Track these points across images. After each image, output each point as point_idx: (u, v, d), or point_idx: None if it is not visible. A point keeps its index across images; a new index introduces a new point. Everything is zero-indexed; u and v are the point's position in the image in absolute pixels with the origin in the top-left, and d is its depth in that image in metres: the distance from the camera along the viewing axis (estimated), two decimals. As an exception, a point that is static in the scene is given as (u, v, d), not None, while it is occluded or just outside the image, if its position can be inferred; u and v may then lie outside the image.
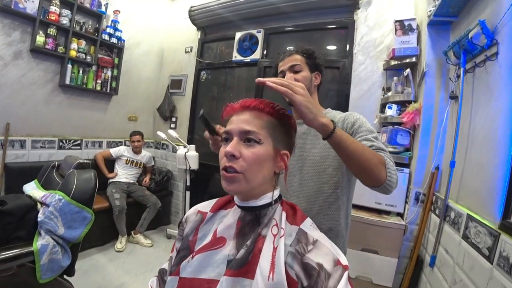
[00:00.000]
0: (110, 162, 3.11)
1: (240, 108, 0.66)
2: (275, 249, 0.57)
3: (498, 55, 1.29)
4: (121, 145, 3.35)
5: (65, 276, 1.62)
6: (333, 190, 0.94)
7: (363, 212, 1.98)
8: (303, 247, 0.58)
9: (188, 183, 2.78)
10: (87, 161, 1.69)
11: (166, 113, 3.55)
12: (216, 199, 0.78)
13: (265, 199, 0.65)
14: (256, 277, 0.55)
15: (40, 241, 1.33)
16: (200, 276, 0.61)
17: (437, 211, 1.69)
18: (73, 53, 2.79)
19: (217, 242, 0.64)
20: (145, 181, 3.23)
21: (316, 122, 0.66)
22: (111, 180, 3.02)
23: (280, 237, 0.59)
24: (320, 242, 0.59)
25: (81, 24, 2.86)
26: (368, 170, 0.72)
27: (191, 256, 0.64)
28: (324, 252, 0.57)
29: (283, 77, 1.05)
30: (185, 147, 2.79)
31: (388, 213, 2.00)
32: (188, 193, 2.79)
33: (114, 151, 3.10)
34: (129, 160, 3.13)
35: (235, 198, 0.69)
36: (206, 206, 0.77)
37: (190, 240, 0.71)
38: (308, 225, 0.65)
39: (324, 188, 0.94)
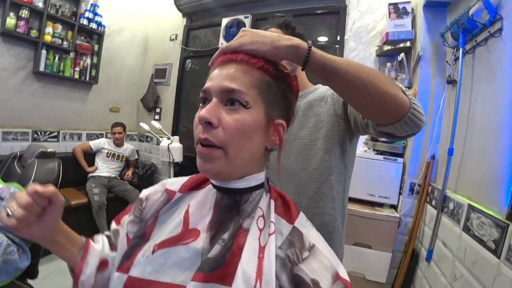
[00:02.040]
0: (91, 156, 2.93)
1: (224, 60, 0.48)
2: (262, 248, 0.43)
3: (502, 31, 1.19)
4: (102, 137, 3.17)
5: (28, 280, 1.46)
6: (326, 177, 0.79)
7: (355, 204, 1.87)
8: (297, 254, 0.43)
9: (172, 176, 2.63)
10: (51, 150, 1.52)
11: (150, 103, 3.39)
12: (189, 177, 0.59)
13: (250, 180, 0.49)
14: (237, 284, 0.39)
15: (-9, 240, 1.17)
16: (161, 280, 0.44)
17: (433, 202, 1.59)
18: (48, 38, 2.59)
19: (189, 234, 0.48)
20: (128, 175, 3.07)
21: (277, 49, 0.48)
22: (91, 175, 2.85)
23: (269, 235, 0.44)
24: (318, 249, 0.45)
25: (57, 7, 2.66)
26: (379, 92, 0.50)
27: (151, 250, 0.48)
28: (322, 264, 0.43)
29: None
30: (168, 138, 2.63)
31: (381, 205, 1.90)
32: (172, 187, 2.64)
33: (94, 144, 2.92)
34: (110, 153, 2.96)
35: None
36: (175, 183, 0.58)
37: (147, 226, 0.53)
38: (303, 222, 0.49)
39: (316, 175, 0.80)
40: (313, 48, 0.49)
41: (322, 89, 0.89)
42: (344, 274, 0.44)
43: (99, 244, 0.58)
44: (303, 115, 0.85)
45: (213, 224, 0.48)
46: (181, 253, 0.46)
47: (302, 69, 0.51)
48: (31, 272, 1.41)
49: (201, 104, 0.48)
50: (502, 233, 0.94)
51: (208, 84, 0.47)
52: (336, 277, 0.42)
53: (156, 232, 0.52)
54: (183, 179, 0.60)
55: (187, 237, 0.48)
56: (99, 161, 2.93)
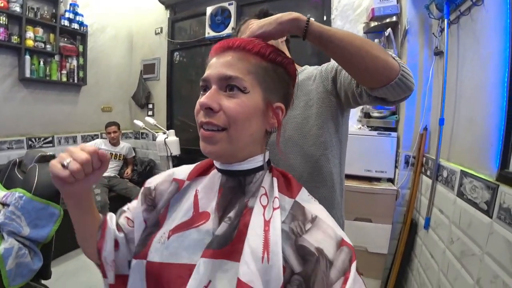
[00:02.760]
0: (88, 158, 2.93)
1: (221, 49, 0.51)
2: (267, 222, 0.45)
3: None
4: (97, 138, 3.17)
5: (42, 281, 1.50)
6: (322, 151, 0.83)
7: (353, 181, 1.92)
8: (300, 226, 0.46)
9: (171, 171, 2.65)
10: (51, 153, 1.53)
11: (142, 100, 3.36)
12: (195, 164, 0.62)
13: (252, 162, 0.52)
14: (245, 259, 0.42)
15: (3, 245, 1.20)
16: (179, 261, 0.48)
17: (428, 172, 1.64)
18: (30, 43, 2.54)
19: (199, 217, 0.51)
20: (127, 173, 3.09)
21: (282, 24, 0.54)
22: (90, 176, 2.85)
23: (274, 209, 0.47)
24: (320, 219, 0.47)
25: (35, 10, 2.59)
26: (371, 56, 0.55)
27: (166, 236, 0.51)
28: (325, 233, 0.45)
29: None
30: (164, 133, 2.64)
31: (378, 179, 1.95)
32: (173, 181, 2.67)
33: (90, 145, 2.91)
34: (107, 153, 2.95)
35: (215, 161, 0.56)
36: (183, 172, 0.61)
37: (160, 214, 0.56)
38: (305, 197, 0.52)
39: (312, 151, 0.83)
40: (311, 20, 0.54)
41: (309, 69, 0.92)
42: (348, 240, 0.46)
43: (114, 225, 0.61)
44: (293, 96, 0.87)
45: (220, 205, 0.51)
46: (194, 236, 0.49)
47: (303, 39, 0.56)
48: (44, 273, 1.44)
49: (201, 92, 0.51)
50: (493, 194, 0.98)
51: (207, 72, 0.50)
52: (341, 243, 0.44)
53: (169, 219, 0.55)
54: (190, 167, 0.62)
55: (198, 220, 0.51)
56: (97, 162, 2.93)
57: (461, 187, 1.22)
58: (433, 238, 1.45)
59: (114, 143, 3.00)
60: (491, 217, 0.98)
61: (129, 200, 0.66)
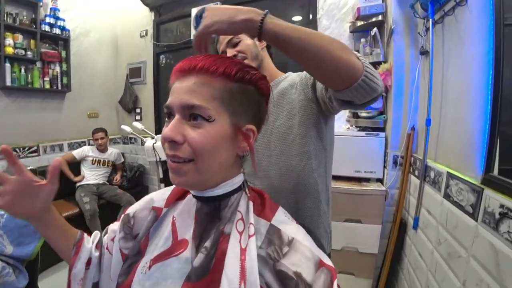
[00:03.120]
0: (76, 165, 2.88)
1: (183, 72, 0.47)
2: (243, 250, 0.44)
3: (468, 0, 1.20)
4: (85, 145, 3.10)
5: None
6: (306, 161, 0.81)
7: (343, 182, 1.92)
8: (277, 251, 0.45)
9: (161, 175, 2.61)
10: (32, 167, 1.48)
11: (129, 104, 3.31)
12: (171, 188, 0.62)
13: (226, 186, 0.51)
14: None
15: (-15, 266, 1.16)
16: None
17: (416, 173, 1.65)
18: (9, 50, 2.46)
19: (179, 245, 0.50)
20: (116, 180, 3.04)
21: (235, 24, 0.50)
22: (78, 184, 2.80)
23: (250, 236, 0.45)
24: (297, 241, 0.46)
25: (14, 15, 2.51)
26: (331, 56, 0.51)
27: (148, 266, 0.50)
28: (303, 255, 0.44)
29: None
30: (152, 138, 2.59)
31: (367, 180, 1.95)
32: (163, 185, 2.64)
33: (77, 153, 2.86)
34: (95, 160, 2.91)
35: None
36: (161, 198, 0.61)
37: (142, 243, 0.56)
38: (281, 218, 0.51)
39: (296, 161, 0.81)
40: (266, 19, 0.50)
41: (292, 76, 0.89)
42: (327, 261, 0.45)
43: (90, 244, 0.63)
44: (276, 105, 0.86)
45: (196, 233, 0.50)
46: (174, 264, 0.49)
47: (258, 40, 0.53)
48: (30, 290, 1.41)
49: (166, 119, 0.49)
50: (478, 197, 0.99)
51: (170, 99, 0.47)
52: (319, 264, 0.44)
53: (150, 247, 0.54)
54: (167, 193, 0.62)
55: (177, 248, 0.50)
56: (85, 170, 2.88)
57: (448, 188, 1.23)
58: (421, 238, 1.47)
59: (102, 149, 2.95)
60: (476, 220, 0.99)
61: (119, 207, 0.66)
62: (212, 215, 0.51)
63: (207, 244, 0.47)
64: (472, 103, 1.13)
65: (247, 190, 0.53)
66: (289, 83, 0.87)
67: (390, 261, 1.77)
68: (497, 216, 0.87)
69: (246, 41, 0.87)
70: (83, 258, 0.59)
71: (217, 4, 2.66)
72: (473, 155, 1.08)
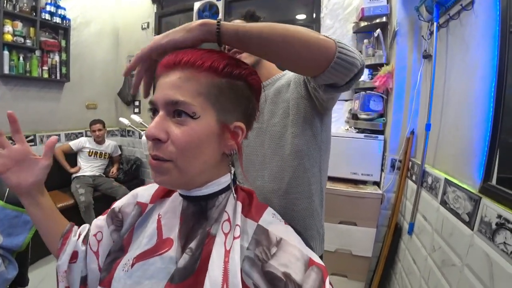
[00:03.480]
0: (72, 156, 2.86)
1: (168, 66, 0.44)
2: (227, 252, 0.43)
3: (474, 4, 1.18)
4: (82, 136, 3.08)
5: (18, 288, 1.46)
6: (299, 161, 0.79)
7: (339, 183, 1.91)
8: (265, 251, 0.43)
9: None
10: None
11: (128, 97, 3.29)
12: (157, 185, 0.60)
13: (213, 186, 0.49)
14: None
15: (-27, 256, 1.15)
16: None
17: (414, 177, 1.63)
18: (8, 37, 2.42)
19: (163, 244, 0.49)
20: (113, 172, 3.02)
21: (191, 31, 0.46)
22: (74, 175, 2.79)
23: (234, 238, 0.44)
24: (285, 241, 0.45)
25: (14, 2, 2.47)
26: (299, 40, 0.47)
27: (130, 264, 0.49)
28: (292, 255, 0.43)
29: (229, 49, 0.87)
30: (150, 132, 2.58)
31: (364, 182, 1.94)
32: (159, 180, 2.63)
33: (74, 144, 2.84)
34: (92, 151, 2.89)
35: None
36: (146, 194, 0.60)
37: (124, 239, 0.55)
38: (269, 218, 0.49)
39: (289, 161, 0.80)
40: (222, 22, 0.47)
41: (289, 74, 0.87)
42: (317, 259, 0.44)
43: (76, 236, 0.62)
44: (272, 102, 0.84)
45: (182, 233, 0.49)
46: (158, 264, 0.47)
47: (218, 44, 0.48)
48: (21, 281, 1.39)
49: (151, 115, 0.47)
50: (475, 206, 0.97)
51: (154, 95, 0.45)
52: (309, 263, 0.43)
53: (133, 244, 0.53)
54: (153, 189, 0.61)
55: (161, 247, 0.49)
56: (81, 161, 2.87)
57: (445, 195, 1.21)
58: (416, 244, 1.45)
59: (99, 141, 2.93)
60: (472, 229, 0.97)
61: (114, 199, 0.65)
62: (199, 215, 0.49)
63: (192, 245, 0.46)
64: (474, 110, 1.11)
65: (233, 191, 0.51)
66: (285, 81, 0.84)
67: (383, 264, 1.76)
68: (493, 226, 0.86)
69: None
70: (68, 250, 0.59)
71: (220, 0, 2.63)
72: (472, 162, 1.07)
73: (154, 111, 0.46)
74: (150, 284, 0.46)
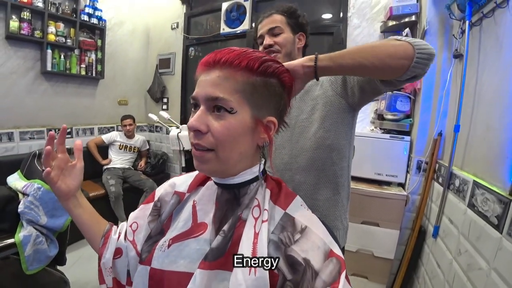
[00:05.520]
0: (104, 149, 3.04)
1: (208, 65, 0.49)
2: (256, 235, 0.47)
3: (509, 1, 1.14)
4: (113, 130, 3.26)
5: (57, 267, 1.59)
6: (327, 154, 0.84)
7: (363, 184, 1.89)
8: (289, 237, 0.47)
9: (183, 164, 2.70)
10: (68, 147, 1.60)
11: (157, 94, 3.42)
12: (195, 174, 0.66)
13: (245, 175, 0.53)
14: (235, 270, 0.44)
15: (22, 232, 1.28)
16: (178, 269, 0.51)
17: (440, 180, 1.59)
18: (51, 37, 2.62)
19: (198, 228, 0.54)
20: (141, 165, 3.18)
21: (298, 69, 0.59)
22: (105, 167, 2.96)
23: (263, 222, 0.48)
24: (310, 230, 0.48)
25: (57, 5, 2.67)
26: (386, 56, 0.58)
27: (167, 244, 0.54)
28: (314, 244, 0.46)
29: (262, 42, 0.93)
30: (177, 127, 2.68)
31: (388, 184, 1.91)
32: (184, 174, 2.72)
33: (106, 137, 3.02)
34: (123, 145, 3.05)
35: None
36: (183, 183, 0.64)
37: (164, 224, 0.60)
38: (297, 206, 0.53)
39: (318, 155, 0.84)
40: (318, 57, 0.59)
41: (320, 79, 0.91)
42: (338, 252, 0.47)
43: (116, 235, 0.66)
44: (300, 99, 0.89)
45: (216, 217, 0.53)
46: (192, 245, 0.52)
47: (317, 78, 0.62)
48: (60, 259, 1.53)
49: (193, 109, 0.52)
50: (505, 209, 0.95)
51: (196, 91, 0.50)
52: (329, 254, 0.45)
53: (171, 228, 0.58)
54: (190, 178, 0.65)
55: (196, 230, 0.54)
56: (112, 154, 3.04)
57: (473, 198, 1.18)
58: (441, 247, 1.42)
59: (129, 135, 3.09)
60: (501, 232, 0.95)
61: (141, 192, 0.71)
62: (232, 201, 0.54)
63: (225, 227, 0.50)
64: (506, 111, 1.08)
65: (263, 180, 0.56)
66: (314, 80, 0.88)
67: (406, 268, 1.73)
68: (523, 229, 0.84)
69: (286, 35, 0.91)
70: (110, 248, 0.63)
71: (247, 1, 2.68)
72: (503, 164, 1.04)
73: (195, 105, 0.51)
74: (185, 263, 0.50)
